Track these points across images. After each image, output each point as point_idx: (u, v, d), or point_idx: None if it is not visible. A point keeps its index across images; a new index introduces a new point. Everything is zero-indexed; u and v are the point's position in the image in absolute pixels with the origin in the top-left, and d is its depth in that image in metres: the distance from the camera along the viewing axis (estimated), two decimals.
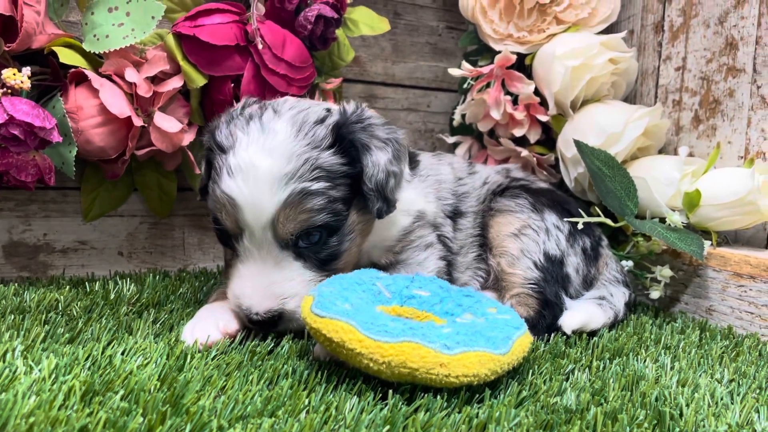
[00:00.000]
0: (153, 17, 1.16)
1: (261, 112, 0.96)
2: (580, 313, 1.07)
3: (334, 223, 0.94)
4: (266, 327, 0.94)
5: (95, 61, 1.18)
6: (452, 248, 1.16)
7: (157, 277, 1.31)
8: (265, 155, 0.89)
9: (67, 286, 1.19)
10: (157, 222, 1.44)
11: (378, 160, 0.95)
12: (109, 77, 1.18)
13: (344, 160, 0.94)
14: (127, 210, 1.40)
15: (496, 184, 1.24)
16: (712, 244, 1.22)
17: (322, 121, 0.95)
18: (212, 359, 0.85)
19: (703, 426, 0.73)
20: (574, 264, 1.16)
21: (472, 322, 0.87)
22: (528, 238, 1.13)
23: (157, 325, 1.00)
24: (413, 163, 1.15)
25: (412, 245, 1.09)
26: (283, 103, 0.99)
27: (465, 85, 1.51)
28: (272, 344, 0.93)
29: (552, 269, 1.12)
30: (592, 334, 1.09)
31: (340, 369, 0.83)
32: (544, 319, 1.07)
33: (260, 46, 1.22)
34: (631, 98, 1.53)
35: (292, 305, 0.92)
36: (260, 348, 0.90)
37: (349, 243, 0.98)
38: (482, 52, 1.57)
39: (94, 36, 1.16)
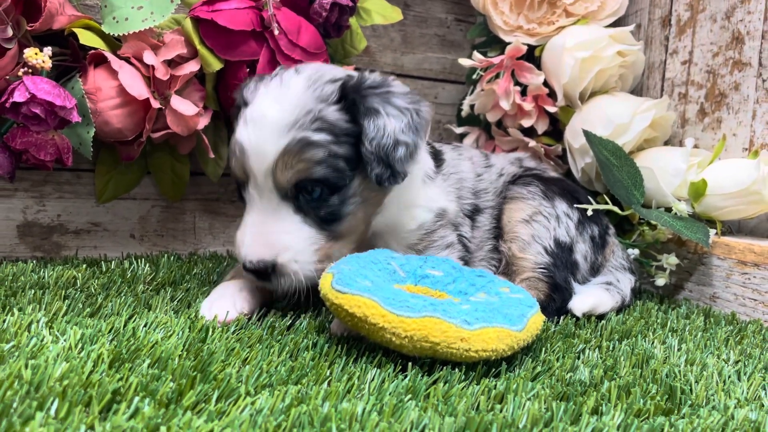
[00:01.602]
0: (172, 1, 1.18)
1: (285, 71, 0.99)
2: (589, 297, 1.10)
3: (334, 180, 0.94)
4: (260, 277, 0.94)
5: (113, 43, 1.20)
6: (470, 248, 1.17)
7: (171, 257, 1.32)
8: (275, 105, 0.93)
9: (83, 265, 1.20)
10: (169, 205, 1.45)
11: (385, 125, 0.94)
12: (127, 59, 1.19)
13: (349, 118, 0.95)
14: (139, 193, 1.42)
15: (510, 175, 1.26)
16: (716, 233, 1.25)
17: (335, 80, 0.97)
18: (233, 333, 0.87)
19: (713, 400, 0.75)
20: (582, 251, 1.18)
21: (487, 300, 0.89)
22: (539, 224, 1.15)
23: (175, 302, 1.01)
24: (438, 160, 1.16)
25: (434, 245, 1.10)
26: (309, 65, 1.02)
27: (474, 76, 1.53)
28: (291, 320, 0.95)
29: (562, 255, 1.14)
30: (600, 317, 1.11)
31: (359, 343, 0.85)
32: (553, 302, 1.09)
33: (276, 32, 1.24)
34: (638, 91, 1.55)
35: (285, 258, 0.93)
36: (280, 324, 0.92)
37: (352, 207, 0.98)
38: (491, 43, 1.60)
39: (114, 18, 1.17)
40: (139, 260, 1.27)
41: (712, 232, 1.22)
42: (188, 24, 1.23)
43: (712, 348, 0.97)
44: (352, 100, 0.95)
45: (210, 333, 0.85)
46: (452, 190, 1.16)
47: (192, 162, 1.42)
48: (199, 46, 1.23)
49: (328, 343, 0.84)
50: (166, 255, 1.34)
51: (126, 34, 1.16)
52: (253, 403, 0.64)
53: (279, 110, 0.93)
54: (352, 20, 1.42)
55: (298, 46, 1.27)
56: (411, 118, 0.97)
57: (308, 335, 0.87)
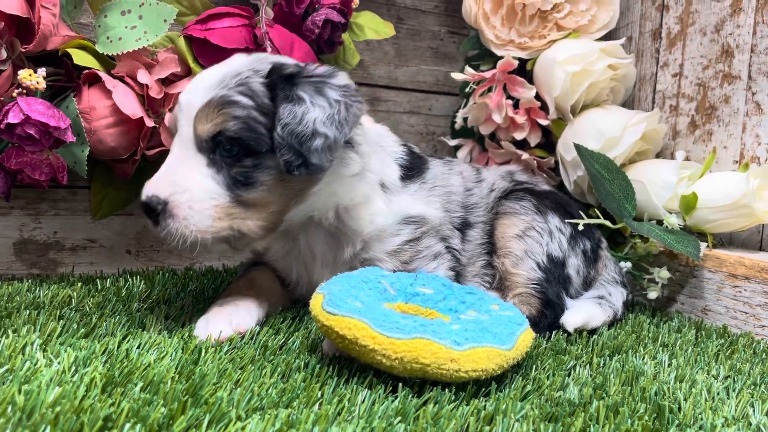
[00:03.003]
0: (165, 20, 1.19)
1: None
2: (581, 312, 1.10)
3: (249, 140, 0.94)
4: (149, 215, 0.94)
5: (107, 62, 1.21)
6: (461, 260, 1.17)
7: (166, 274, 1.33)
8: (218, 69, 0.99)
9: (79, 283, 1.21)
10: None
11: (304, 113, 0.94)
12: (121, 79, 1.20)
13: (271, 96, 0.97)
14: (135, 209, 1.43)
15: (501, 190, 1.27)
16: (707, 246, 1.26)
17: (275, 62, 1.00)
18: (226, 353, 0.88)
19: (701, 419, 0.76)
20: (575, 265, 1.19)
21: (476, 318, 0.89)
22: (532, 239, 1.16)
23: (169, 321, 1.02)
24: (421, 170, 1.17)
25: (420, 255, 1.10)
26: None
27: (467, 89, 1.54)
28: (283, 339, 0.95)
29: (554, 270, 1.15)
30: (592, 332, 1.12)
31: (351, 363, 0.86)
32: (545, 318, 1.10)
33: (269, 49, 1.25)
34: (629, 103, 1.56)
35: (179, 198, 0.92)
36: (272, 342, 0.93)
37: (267, 178, 0.96)
38: (484, 56, 1.61)
39: (107, 38, 1.18)
40: (135, 277, 1.27)
41: (704, 245, 1.23)
42: (181, 42, 1.24)
43: (702, 363, 0.97)
44: (275, 81, 0.97)
45: (203, 353, 0.86)
46: (436, 200, 1.16)
47: None
48: (192, 65, 1.24)
49: (320, 364, 0.85)
50: (161, 271, 1.35)
51: (120, 53, 1.17)
52: (243, 428, 0.65)
53: (213, 75, 0.98)
54: (345, 36, 1.43)
55: None
56: (337, 111, 0.97)
57: (300, 355, 0.88)
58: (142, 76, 1.19)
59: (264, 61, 1.01)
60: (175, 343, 0.89)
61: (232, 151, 0.95)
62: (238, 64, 1.00)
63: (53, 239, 1.35)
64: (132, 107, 1.17)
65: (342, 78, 1.01)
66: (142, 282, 1.24)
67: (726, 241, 1.33)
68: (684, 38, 1.43)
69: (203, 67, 1.25)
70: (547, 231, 1.18)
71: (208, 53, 1.24)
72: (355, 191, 1.06)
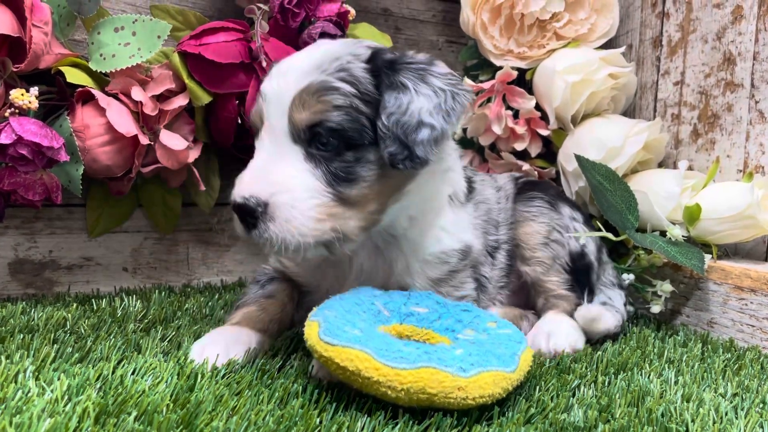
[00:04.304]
0: (159, 37, 1.18)
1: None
2: (593, 307, 1.13)
3: (352, 132, 0.87)
4: (246, 216, 0.85)
5: (101, 79, 1.20)
6: (487, 288, 1.14)
7: (163, 293, 1.31)
8: (303, 56, 0.91)
9: (74, 304, 1.19)
10: (162, 237, 1.45)
11: (410, 102, 0.88)
12: (115, 96, 1.19)
13: (375, 83, 0.89)
14: (131, 226, 1.41)
15: (511, 193, 1.25)
16: (712, 258, 1.24)
17: (373, 47, 0.93)
18: (222, 378, 0.86)
19: None
20: (593, 251, 1.21)
21: (478, 339, 0.87)
22: (556, 243, 1.17)
23: (165, 343, 1.00)
24: (471, 182, 1.13)
25: (452, 288, 1.05)
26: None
27: None
28: (281, 361, 0.94)
29: (579, 264, 1.18)
30: (597, 347, 1.10)
31: (349, 388, 0.84)
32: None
33: (264, 63, 1.23)
34: (630, 112, 1.54)
35: (281, 198, 0.84)
36: (270, 366, 0.91)
37: (369, 174, 0.89)
38: (482, 66, 1.59)
39: (101, 55, 1.17)
40: (131, 296, 1.26)
41: (708, 256, 1.21)
42: (176, 58, 1.23)
43: (709, 381, 0.95)
44: (379, 66, 0.90)
45: (199, 379, 0.84)
46: (480, 223, 1.11)
47: (183, 193, 1.41)
48: (187, 80, 1.23)
49: (318, 389, 0.83)
50: (157, 290, 1.33)
51: (113, 70, 1.16)
52: None
53: (306, 59, 0.90)
54: None
55: None
56: (444, 100, 0.90)
57: (298, 379, 0.86)
58: (137, 93, 1.18)
59: (360, 45, 0.93)
60: (171, 368, 0.87)
61: (331, 143, 0.87)
62: (335, 48, 0.92)
63: (49, 258, 1.34)
64: (126, 125, 1.15)
65: (442, 66, 0.95)
66: (138, 301, 1.22)
67: (731, 251, 1.31)
68: (685, 46, 1.41)
69: (198, 83, 1.24)
70: (565, 227, 1.18)
71: (203, 69, 1.23)
72: (438, 194, 1.00)
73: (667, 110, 1.46)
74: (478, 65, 1.60)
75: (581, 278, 1.18)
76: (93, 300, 1.23)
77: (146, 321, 1.11)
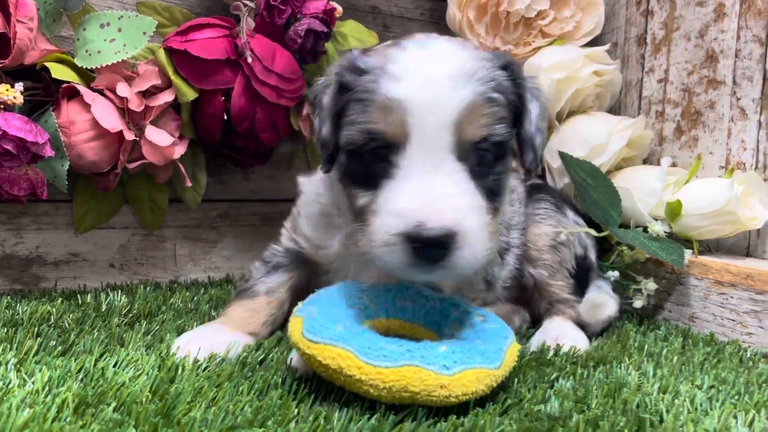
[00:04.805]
0: (144, 33, 1.19)
1: (419, 38, 0.88)
2: (599, 294, 1.16)
3: (507, 144, 0.86)
4: (435, 251, 0.77)
5: (87, 75, 1.20)
6: (494, 287, 1.12)
7: (148, 288, 1.32)
8: (441, 56, 0.82)
9: (59, 299, 1.20)
10: (149, 234, 1.45)
11: (533, 110, 0.89)
12: (101, 92, 1.19)
13: (514, 90, 0.88)
14: (118, 222, 1.42)
15: (524, 197, 1.24)
16: (693, 253, 1.25)
17: (495, 52, 0.90)
18: (203, 370, 0.87)
19: (682, 431, 0.75)
20: (593, 249, 1.23)
21: (465, 334, 0.87)
22: (564, 246, 1.17)
23: (149, 337, 1.01)
24: None
25: (469, 285, 1.04)
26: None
27: None
28: (263, 354, 0.94)
29: (582, 266, 1.18)
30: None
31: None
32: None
33: (249, 60, 1.24)
34: (615, 109, 1.56)
35: (467, 225, 0.77)
36: (252, 358, 0.92)
37: (506, 183, 0.89)
38: None
39: (86, 51, 1.18)
40: (116, 291, 1.26)
41: (689, 252, 1.22)
42: (161, 54, 1.23)
43: (687, 373, 0.96)
44: (519, 74, 0.89)
45: (180, 371, 0.84)
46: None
47: (170, 189, 1.42)
48: (173, 77, 1.23)
49: (298, 380, 0.83)
50: (142, 285, 1.34)
51: (99, 66, 1.16)
52: None
53: (452, 61, 0.81)
54: (329, 45, 1.43)
55: (273, 72, 1.27)
56: (543, 105, 0.91)
57: (278, 371, 0.87)
58: (122, 89, 1.18)
59: (475, 48, 0.88)
60: (152, 361, 0.87)
61: (488, 156, 0.84)
62: (464, 51, 0.84)
63: (35, 254, 1.34)
64: (111, 121, 1.16)
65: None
66: (123, 296, 1.23)
67: (713, 247, 1.32)
68: (669, 44, 1.43)
69: (183, 79, 1.24)
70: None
71: (189, 65, 1.23)
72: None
73: (651, 107, 1.47)
74: None
75: (583, 280, 1.19)
76: (78, 295, 1.24)
77: (131, 315, 1.12)
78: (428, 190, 0.78)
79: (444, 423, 0.74)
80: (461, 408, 0.78)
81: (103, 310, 1.13)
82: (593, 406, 0.81)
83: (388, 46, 0.88)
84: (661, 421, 0.78)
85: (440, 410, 0.77)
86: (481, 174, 0.83)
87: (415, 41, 0.86)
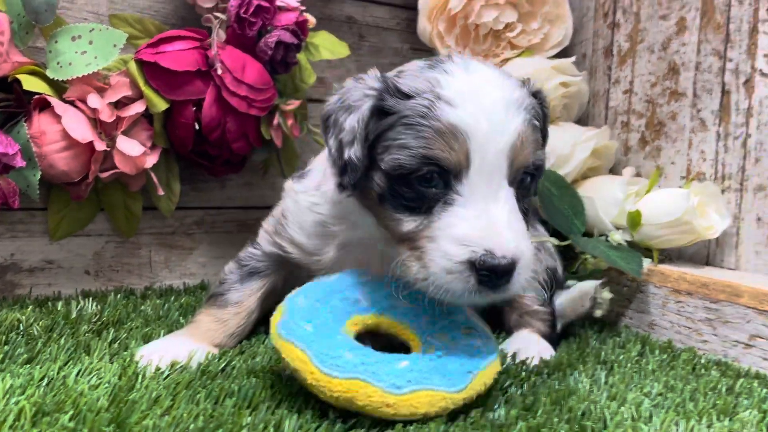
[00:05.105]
0: (115, 45, 1.21)
1: (450, 58, 0.88)
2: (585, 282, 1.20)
3: (542, 168, 0.90)
4: (502, 278, 0.78)
5: (59, 87, 1.22)
6: None
7: (119, 295, 1.34)
8: (491, 82, 0.83)
9: (30, 306, 1.22)
10: (124, 241, 1.47)
11: (548, 134, 0.96)
12: (72, 103, 1.21)
13: (543, 116, 0.92)
14: (93, 229, 1.44)
15: None
16: (653, 262, 1.28)
17: (517, 78, 0.91)
18: (164, 379, 0.89)
19: None
20: (560, 263, 1.26)
21: (439, 349, 0.86)
22: (535, 258, 1.17)
23: (116, 344, 1.03)
24: None
25: None
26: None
27: None
28: (225, 363, 0.96)
29: (553, 280, 1.20)
30: None
31: (286, 387, 0.87)
32: (555, 330, 1.17)
33: (219, 71, 1.26)
34: (584, 119, 1.58)
35: (525, 249, 0.80)
36: (212, 367, 0.94)
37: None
38: None
39: (58, 63, 1.20)
40: (88, 298, 1.28)
41: (647, 261, 1.25)
42: (133, 66, 1.26)
43: (638, 380, 0.99)
44: (544, 100, 0.93)
45: (140, 380, 0.87)
46: None
47: (145, 197, 1.44)
48: (144, 88, 1.26)
49: (254, 388, 0.86)
50: (113, 292, 1.36)
51: (71, 78, 1.19)
52: None
53: (501, 87, 0.83)
54: (301, 56, 1.45)
55: (243, 83, 1.30)
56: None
57: (235, 380, 0.89)
58: (93, 100, 1.20)
59: (511, 75, 0.89)
60: (114, 369, 0.90)
61: (527, 180, 0.88)
62: (510, 79, 0.87)
63: (10, 261, 1.36)
64: (81, 131, 1.18)
65: None
66: (95, 304, 1.25)
67: (675, 256, 1.35)
68: (634, 56, 1.46)
69: (155, 90, 1.27)
70: (540, 243, 1.21)
71: (160, 76, 1.26)
72: None
73: (617, 118, 1.51)
74: None
75: (553, 292, 1.20)
76: (50, 302, 1.26)
77: (99, 323, 1.13)
78: (491, 218, 0.79)
79: (391, 431, 0.76)
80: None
81: (73, 317, 1.15)
82: (539, 413, 0.83)
83: (423, 68, 0.87)
84: (604, 427, 0.81)
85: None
86: (520, 197, 0.86)
87: (454, 64, 0.85)
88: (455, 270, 0.78)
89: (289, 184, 1.08)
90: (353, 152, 0.85)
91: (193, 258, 1.56)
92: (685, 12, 1.34)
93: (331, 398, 0.77)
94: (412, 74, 0.86)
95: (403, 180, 0.83)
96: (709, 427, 0.83)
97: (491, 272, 0.77)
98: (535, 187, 0.92)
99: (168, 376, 0.90)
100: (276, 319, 0.87)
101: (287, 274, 1.10)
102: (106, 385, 0.84)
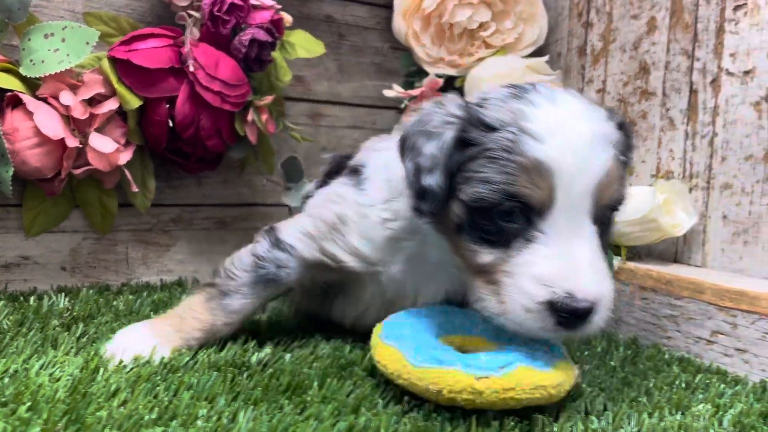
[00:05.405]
0: (88, 43, 1.22)
1: (535, 88, 0.85)
2: None
3: (624, 204, 0.88)
4: (581, 321, 0.77)
5: (34, 84, 1.23)
6: None
7: (91, 291, 1.35)
8: (578, 115, 0.81)
9: (3, 301, 1.22)
10: (101, 237, 1.48)
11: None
12: (45, 100, 1.22)
13: (628, 150, 0.90)
14: (69, 226, 1.44)
15: None
16: (621, 259, 1.29)
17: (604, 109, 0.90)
18: (127, 372, 0.90)
19: (572, 430, 0.79)
20: None
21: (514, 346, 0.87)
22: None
23: (83, 339, 1.04)
24: None
25: None
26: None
27: (402, 106, 1.57)
28: (190, 356, 0.97)
29: None
30: None
31: (246, 380, 0.88)
32: None
33: (191, 68, 1.28)
34: None
35: (605, 290, 0.79)
36: (175, 362, 0.95)
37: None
38: (420, 73, 1.64)
39: (31, 61, 1.21)
40: (60, 294, 1.29)
41: (617, 259, 1.27)
42: (105, 64, 1.27)
43: (598, 375, 1.00)
44: (629, 132, 0.91)
45: (101, 372, 0.88)
46: None
47: (121, 194, 1.45)
48: (116, 85, 1.27)
49: (214, 381, 0.87)
50: (86, 288, 1.37)
51: (44, 75, 1.20)
52: None
53: (588, 122, 0.81)
54: (277, 54, 1.46)
55: (217, 79, 1.31)
56: None
57: (195, 373, 0.90)
58: (65, 98, 1.22)
59: (600, 109, 0.88)
60: (77, 362, 0.91)
61: (609, 217, 0.86)
62: (596, 112, 0.85)
63: None
64: (53, 128, 1.19)
65: None
66: (67, 299, 1.26)
67: (644, 253, 1.37)
68: (606, 55, 1.47)
69: (128, 87, 1.28)
70: None
71: (132, 74, 1.27)
72: None
73: None
74: (415, 72, 1.65)
75: None
76: (23, 297, 1.27)
77: (70, 318, 1.15)
78: (573, 258, 0.78)
79: (344, 423, 0.77)
80: (360, 408, 0.82)
81: (44, 311, 1.16)
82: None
83: (507, 98, 0.84)
84: (555, 420, 0.82)
85: (344, 410, 0.81)
86: (601, 234, 0.83)
87: (540, 94, 0.83)
88: (534, 309, 0.77)
89: (348, 193, 1.02)
90: (433, 180, 0.84)
91: (170, 255, 1.57)
92: (655, 12, 1.35)
93: (425, 391, 0.80)
94: (496, 104, 0.84)
95: (484, 213, 0.81)
96: (660, 420, 0.84)
97: (571, 315, 0.76)
98: (613, 223, 0.90)
99: (132, 369, 0.91)
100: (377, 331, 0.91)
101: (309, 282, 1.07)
102: (68, 377, 0.85)
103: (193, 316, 1.01)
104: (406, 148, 0.88)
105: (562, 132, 0.78)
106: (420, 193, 0.85)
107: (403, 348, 0.85)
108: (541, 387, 0.78)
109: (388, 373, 0.85)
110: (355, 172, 1.04)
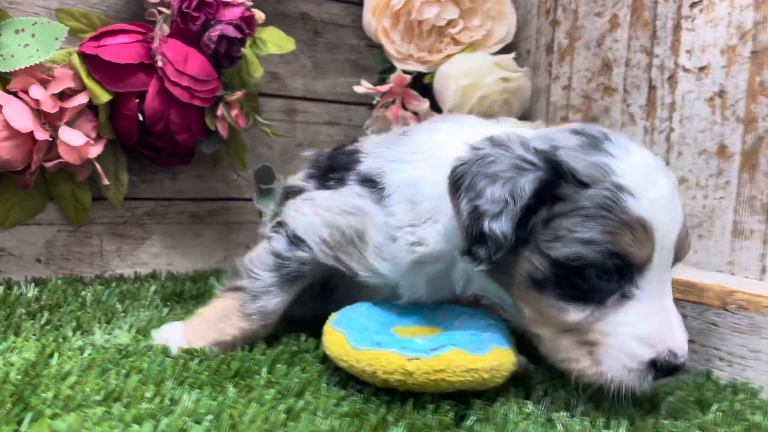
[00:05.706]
0: (57, 39, 1.25)
1: (606, 136, 0.84)
2: None
3: None
4: (675, 374, 0.80)
5: (5, 78, 1.26)
6: None
7: (59, 281, 1.37)
8: (655, 167, 0.83)
9: None
10: (75, 230, 1.51)
11: None
12: (16, 94, 1.25)
13: None
14: (44, 218, 1.47)
15: None
16: None
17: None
18: (87, 356, 0.92)
19: (506, 415, 0.81)
20: None
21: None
22: None
23: (47, 326, 1.06)
24: None
25: None
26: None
27: (374, 102, 1.60)
28: (143, 344, 1.00)
29: None
30: None
31: (195, 366, 0.90)
32: None
33: (159, 63, 1.30)
34: (527, 115, 1.62)
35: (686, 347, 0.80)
36: (131, 347, 0.98)
37: None
38: (393, 70, 1.66)
39: (1, 56, 1.24)
40: (30, 284, 1.32)
41: None
42: (75, 59, 1.29)
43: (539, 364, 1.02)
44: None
45: (56, 357, 0.90)
46: None
47: (96, 187, 1.48)
48: (86, 80, 1.29)
49: (162, 366, 0.89)
50: (55, 278, 1.39)
51: (14, 70, 1.22)
52: (52, 426, 0.70)
53: (666, 171, 0.83)
54: (247, 50, 1.49)
55: (185, 74, 1.33)
56: None
57: (147, 357, 0.93)
58: (35, 92, 1.24)
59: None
60: (36, 347, 0.93)
61: None
62: (657, 157, 0.87)
63: None
64: (23, 121, 1.21)
65: None
66: (36, 289, 1.28)
67: None
68: (572, 52, 1.49)
69: (97, 82, 1.30)
70: None
71: (102, 69, 1.30)
72: None
73: (557, 113, 1.54)
74: (388, 69, 1.68)
75: None
76: None
77: (36, 307, 1.17)
78: (668, 315, 0.80)
79: (283, 404, 0.80)
80: (304, 392, 0.85)
81: (11, 300, 1.19)
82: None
83: (583, 148, 0.82)
84: (492, 404, 0.84)
85: (286, 394, 0.83)
86: None
87: (612, 143, 0.82)
88: (636, 369, 0.78)
89: (369, 208, 0.97)
90: (499, 228, 0.78)
91: (145, 248, 1.60)
92: (617, 9, 1.38)
93: (362, 373, 0.82)
94: (576, 156, 0.81)
95: (578, 271, 0.79)
96: (597, 407, 0.86)
97: (672, 371, 0.78)
98: None
99: (89, 355, 0.94)
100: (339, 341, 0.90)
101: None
102: (22, 361, 0.88)
103: (231, 324, 1.00)
104: (460, 186, 0.82)
105: (652, 187, 0.79)
106: (478, 239, 0.80)
107: (349, 333, 0.87)
108: (473, 370, 0.80)
109: (332, 357, 0.88)
110: (371, 182, 0.98)
